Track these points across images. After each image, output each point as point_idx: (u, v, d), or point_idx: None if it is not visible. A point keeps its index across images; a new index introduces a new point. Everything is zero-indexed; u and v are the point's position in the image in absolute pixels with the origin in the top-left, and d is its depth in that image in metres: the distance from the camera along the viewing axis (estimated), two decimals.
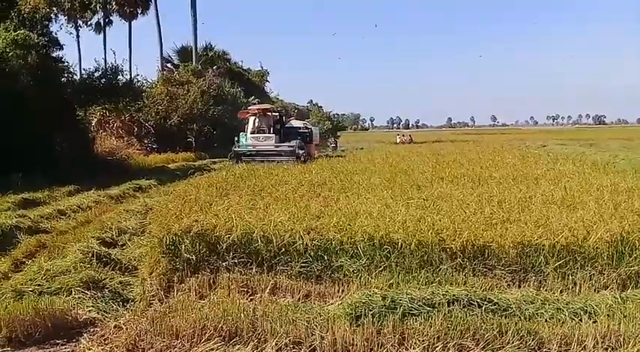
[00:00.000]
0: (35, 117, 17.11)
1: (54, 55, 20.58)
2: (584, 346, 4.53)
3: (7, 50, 17.68)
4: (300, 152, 21.12)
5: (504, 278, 5.99)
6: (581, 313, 5.06)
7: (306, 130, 24.68)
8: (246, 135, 23.10)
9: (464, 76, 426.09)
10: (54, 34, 21.39)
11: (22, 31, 18.36)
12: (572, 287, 5.86)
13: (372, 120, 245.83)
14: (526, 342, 4.52)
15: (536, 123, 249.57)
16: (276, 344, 4.52)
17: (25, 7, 19.57)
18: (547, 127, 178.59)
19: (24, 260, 7.72)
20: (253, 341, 4.58)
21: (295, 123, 25.68)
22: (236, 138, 23.08)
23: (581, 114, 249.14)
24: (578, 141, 46.24)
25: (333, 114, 63.00)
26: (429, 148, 29.17)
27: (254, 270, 6.34)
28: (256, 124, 23.14)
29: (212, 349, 4.40)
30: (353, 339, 4.57)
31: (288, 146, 21.73)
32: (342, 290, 5.98)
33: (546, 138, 52.56)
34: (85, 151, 20.28)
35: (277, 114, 24.51)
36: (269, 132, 22.83)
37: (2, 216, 10.18)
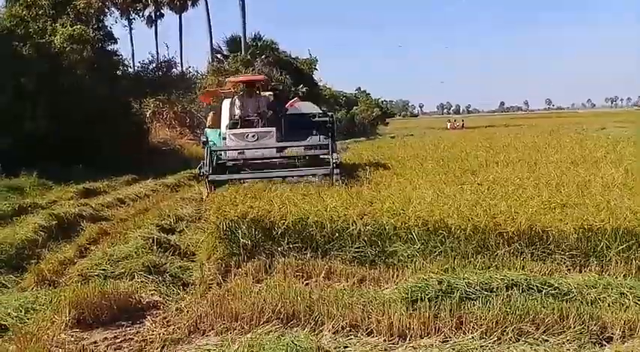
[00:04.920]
0: (93, 110, 17.71)
1: (109, 48, 21.16)
2: None
3: (65, 45, 18.30)
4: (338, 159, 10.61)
5: (564, 262, 5.85)
6: None
7: (326, 119, 12.97)
8: (218, 132, 12.43)
9: (517, 59, 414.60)
10: (108, 28, 21.96)
11: (78, 27, 18.94)
12: (636, 272, 5.66)
13: (421, 107, 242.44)
14: (588, 327, 4.41)
15: (594, 105, 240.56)
16: (333, 327, 4.56)
17: (80, 2, 20.14)
18: (605, 110, 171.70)
19: (88, 246, 8.04)
20: (310, 323, 4.64)
21: (303, 106, 14.07)
22: (203, 139, 12.55)
23: None
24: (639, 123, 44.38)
25: (382, 101, 62.64)
26: (482, 133, 28.66)
27: (309, 255, 6.40)
28: (236, 111, 12.35)
29: (271, 331, 4.48)
30: (409, 323, 4.56)
31: (313, 146, 11.61)
32: (397, 275, 5.97)
33: (605, 121, 50.60)
34: (140, 142, 20.84)
35: (271, 93, 13.99)
36: (262, 124, 11.97)
37: (66, 205, 10.63)
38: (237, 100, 12.58)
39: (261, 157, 11.40)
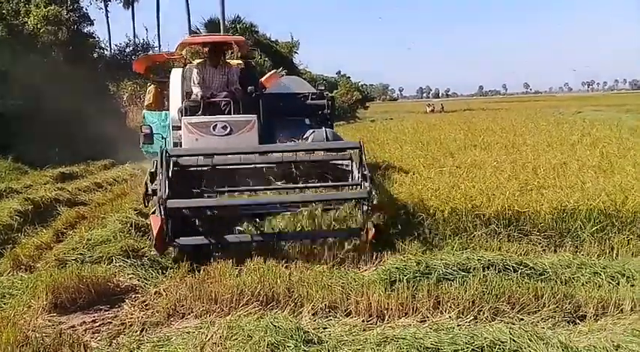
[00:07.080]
0: (68, 93, 17.41)
1: (85, 30, 20.86)
2: (622, 309, 4.46)
3: (39, 26, 17.96)
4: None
5: (540, 243, 5.96)
6: (619, 276, 5.00)
7: (322, 102, 9.17)
8: (163, 115, 9.27)
9: (497, 43, 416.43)
10: (84, 9, 21.58)
11: (52, 7, 18.60)
12: (610, 252, 5.80)
13: (400, 90, 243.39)
14: (562, 306, 4.48)
15: (571, 89, 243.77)
16: (312, 308, 4.58)
17: None
18: (582, 94, 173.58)
19: (65, 230, 7.93)
20: (290, 305, 4.66)
21: (291, 83, 10.42)
22: (145, 130, 9.35)
23: (618, 79, 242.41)
24: (615, 106, 44.94)
25: (362, 85, 62.48)
26: (461, 117, 28.81)
27: None
28: (194, 89, 8.26)
29: (250, 313, 4.48)
30: (388, 304, 4.60)
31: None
32: (376, 257, 6.01)
33: (581, 105, 51.06)
34: (118, 126, 20.57)
35: (240, 62, 9.81)
36: (234, 110, 7.88)
37: (42, 190, 10.44)
38: (195, 72, 8.37)
39: (235, 163, 6.71)
